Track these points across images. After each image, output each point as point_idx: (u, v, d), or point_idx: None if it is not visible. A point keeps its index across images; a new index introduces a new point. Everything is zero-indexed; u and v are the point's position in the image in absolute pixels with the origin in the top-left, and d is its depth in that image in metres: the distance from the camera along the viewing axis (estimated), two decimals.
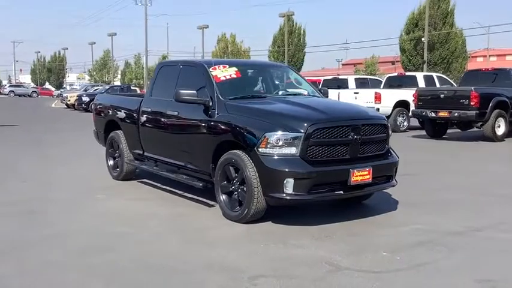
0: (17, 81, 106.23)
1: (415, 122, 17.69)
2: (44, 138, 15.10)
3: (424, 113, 14.68)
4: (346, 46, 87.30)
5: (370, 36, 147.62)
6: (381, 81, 20.20)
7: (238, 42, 57.50)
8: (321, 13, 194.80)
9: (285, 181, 5.35)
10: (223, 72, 6.61)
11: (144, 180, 8.28)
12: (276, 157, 5.42)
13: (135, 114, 7.72)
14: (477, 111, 13.51)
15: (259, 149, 5.46)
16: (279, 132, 5.41)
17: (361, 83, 20.06)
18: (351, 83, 20.07)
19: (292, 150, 5.40)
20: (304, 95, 7.07)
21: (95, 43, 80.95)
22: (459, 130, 16.05)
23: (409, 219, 5.97)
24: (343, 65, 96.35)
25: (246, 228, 5.62)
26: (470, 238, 5.31)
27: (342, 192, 5.65)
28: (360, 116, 5.98)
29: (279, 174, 5.37)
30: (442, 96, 14.26)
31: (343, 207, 6.58)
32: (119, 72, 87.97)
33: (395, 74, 20.11)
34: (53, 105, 42.02)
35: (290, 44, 53.28)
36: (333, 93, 18.65)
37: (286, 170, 5.37)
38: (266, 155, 5.44)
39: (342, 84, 20.08)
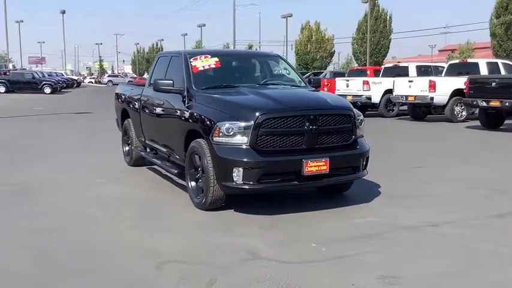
0: (121, 71, 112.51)
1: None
2: (104, 125, 15.83)
3: (475, 102, 13.87)
4: (446, 31, 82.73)
5: (473, 19, 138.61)
6: None
7: (322, 30, 56.89)
8: None
9: (234, 170, 5.43)
10: (203, 63, 6.76)
11: (154, 167, 8.63)
12: (227, 146, 5.51)
13: (137, 103, 8.09)
14: None
15: (214, 138, 5.57)
16: (230, 122, 5.49)
17: (424, 71, 19.23)
18: (412, 70, 19.30)
19: (243, 139, 5.46)
20: (285, 85, 7.04)
21: (187, 34, 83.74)
22: None
23: (372, 212, 5.84)
24: (439, 51, 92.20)
25: (205, 216, 5.75)
26: (418, 233, 5.11)
27: (296, 182, 5.62)
28: (318, 106, 5.87)
29: (228, 163, 5.46)
30: (493, 84, 13.39)
31: (319, 196, 6.58)
32: None
33: (457, 61, 19.05)
34: None
35: (375, 31, 51.84)
36: (390, 82, 18.14)
37: (235, 159, 5.44)
38: (219, 144, 5.55)
39: (402, 72, 19.39)
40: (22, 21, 75.44)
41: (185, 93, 6.42)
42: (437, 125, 16.50)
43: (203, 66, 6.72)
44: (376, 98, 19.05)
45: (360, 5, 50.04)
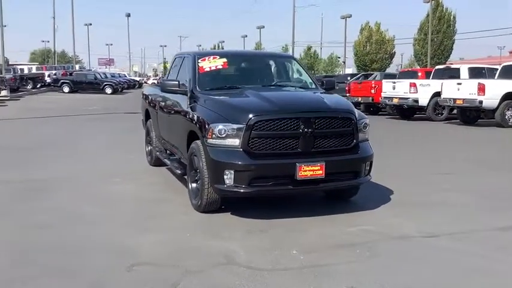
0: None
1: None
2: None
3: None
4: None
5: None
6: None
7: (383, 31, 55.66)
8: None
9: (225, 172, 5.35)
10: (210, 63, 6.72)
11: None
12: (219, 148, 5.43)
13: (156, 104, 8.16)
14: None
15: (207, 140, 5.51)
16: (223, 124, 5.41)
17: (477, 73, 18.35)
18: (464, 72, 18.47)
19: (235, 141, 5.36)
20: (293, 86, 6.88)
21: (246, 36, 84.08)
22: None
23: (372, 220, 5.60)
24: (510, 52, 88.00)
25: (199, 218, 5.69)
26: (410, 244, 4.84)
27: (291, 187, 5.47)
28: (314, 108, 5.67)
29: (220, 165, 5.38)
30: None
31: (322, 202, 6.41)
32: None
33: (511, 63, 18.04)
34: None
35: (438, 32, 50.17)
36: (439, 84, 17.48)
37: (226, 161, 5.35)
38: (212, 145, 5.48)
39: (453, 74, 18.59)
40: (91, 24, 78.66)
41: (189, 94, 6.40)
42: (486, 129, 15.73)
43: (209, 67, 6.68)
44: (423, 101, 18.38)
45: (423, 5, 48.59)
